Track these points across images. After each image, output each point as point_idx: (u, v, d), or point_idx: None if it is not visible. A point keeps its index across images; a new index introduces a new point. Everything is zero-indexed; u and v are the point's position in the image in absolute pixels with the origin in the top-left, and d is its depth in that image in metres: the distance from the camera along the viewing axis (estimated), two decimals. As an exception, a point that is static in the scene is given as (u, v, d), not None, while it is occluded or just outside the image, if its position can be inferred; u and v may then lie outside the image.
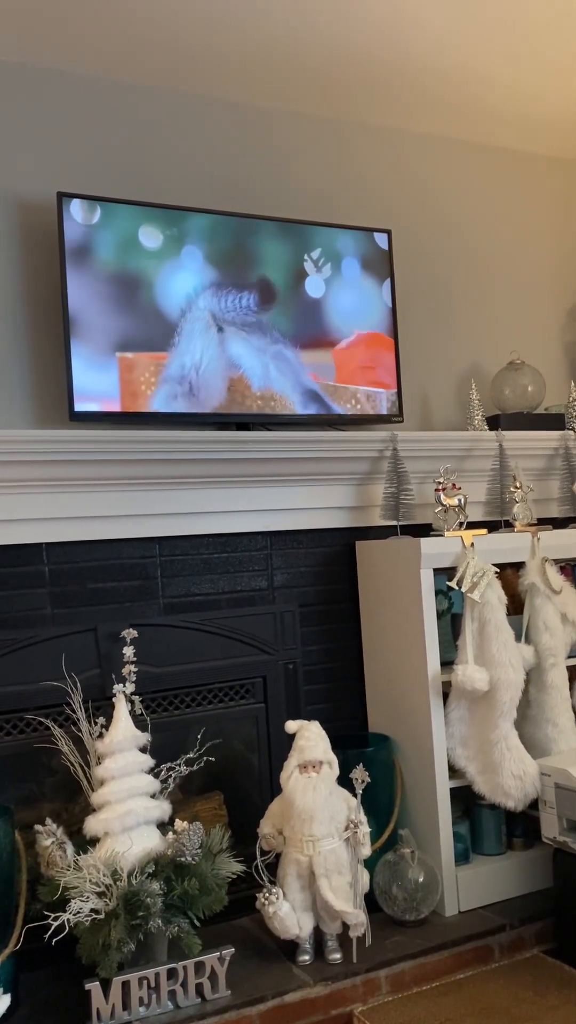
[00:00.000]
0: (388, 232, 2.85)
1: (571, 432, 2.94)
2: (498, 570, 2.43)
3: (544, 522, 2.98)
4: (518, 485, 2.64)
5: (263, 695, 2.57)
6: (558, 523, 2.97)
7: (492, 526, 2.78)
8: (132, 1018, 1.91)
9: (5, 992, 1.98)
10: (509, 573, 2.60)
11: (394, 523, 2.64)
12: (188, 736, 2.44)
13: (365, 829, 2.19)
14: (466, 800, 2.52)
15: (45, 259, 2.49)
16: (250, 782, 2.58)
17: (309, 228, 2.73)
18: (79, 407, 2.38)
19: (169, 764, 2.25)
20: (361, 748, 2.59)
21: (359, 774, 2.19)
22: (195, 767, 2.28)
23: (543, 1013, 2.02)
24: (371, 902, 2.29)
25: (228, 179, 2.77)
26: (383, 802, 2.48)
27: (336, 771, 2.21)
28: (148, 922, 1.91)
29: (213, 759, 2.40)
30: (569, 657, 2.59)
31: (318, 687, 2.68)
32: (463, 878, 2.39)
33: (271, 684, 2.57)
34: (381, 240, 2.84)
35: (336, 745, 2.31)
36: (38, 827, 2.06)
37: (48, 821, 2.08)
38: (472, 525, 2.71)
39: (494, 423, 2.91)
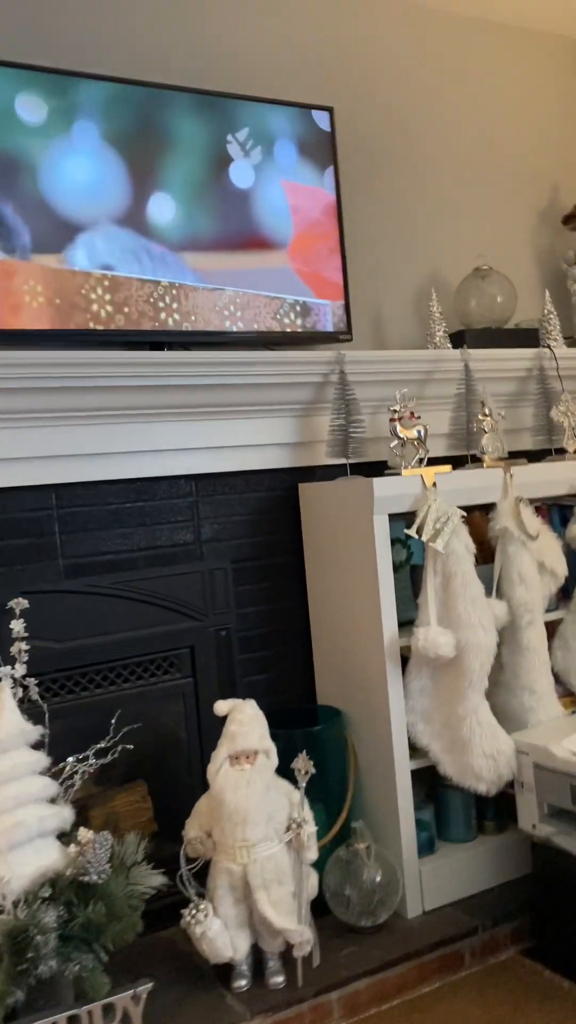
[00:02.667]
0: (330, 110, 2.37)
1: (546, 350, 2.53)
2: (464, 514, 2.04)
3: (516, 455, 2.58)
4: (487, 413, 2.23)
5: (191, 668, 2.18)
6: (532, 456, 2.58)
7: (457, 461, 2.38)
8: None
9: None
10: (477, 516, 2.21)
11: (343, 461, 2.23)
12: (103, 719, 2.04)
13: (310, 829, 1.83)
14: (430, 780, 2.17)
15: None
16: (178, 768, 2.21)
17: (234, 103, 2.24)
18: (-53, 324, 1.91)
19: (76, 756, 1.86)
20: (308, 725, 2.22)
21: (302, 764, 1.82)
22: (108, 758, 1.90)
23: (523, 1038, 1.71)
24: (321, 904, 1.95)
25: (132, 40, 2.26)
26: (334, 787, 2.12)
27: (274, 761, 1.84)
28: (38, 966, 1.54)
29: (131, 747, 2.01)
30: (547, 611, 2.24)
31: (257, 655, 2.29)
32: (428, 872, 2.06)
33: (200, 655, 2.18)
34: (321, 119, 2.37)
35: (279, 723, 1.96)
36: None
37: None
38: (434, 461, 2.30)
39: (458, 340, 2.49)
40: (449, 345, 2.43)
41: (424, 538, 1.99)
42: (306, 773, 1.81)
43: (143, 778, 2.19)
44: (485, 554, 2.19)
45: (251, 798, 1.77)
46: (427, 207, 2.71)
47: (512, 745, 1.99)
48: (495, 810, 2.20)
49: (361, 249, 2.57)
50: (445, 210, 2.75)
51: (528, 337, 2.56)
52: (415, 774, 2.08)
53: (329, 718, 2.20)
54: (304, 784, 1.82)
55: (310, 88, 2.50)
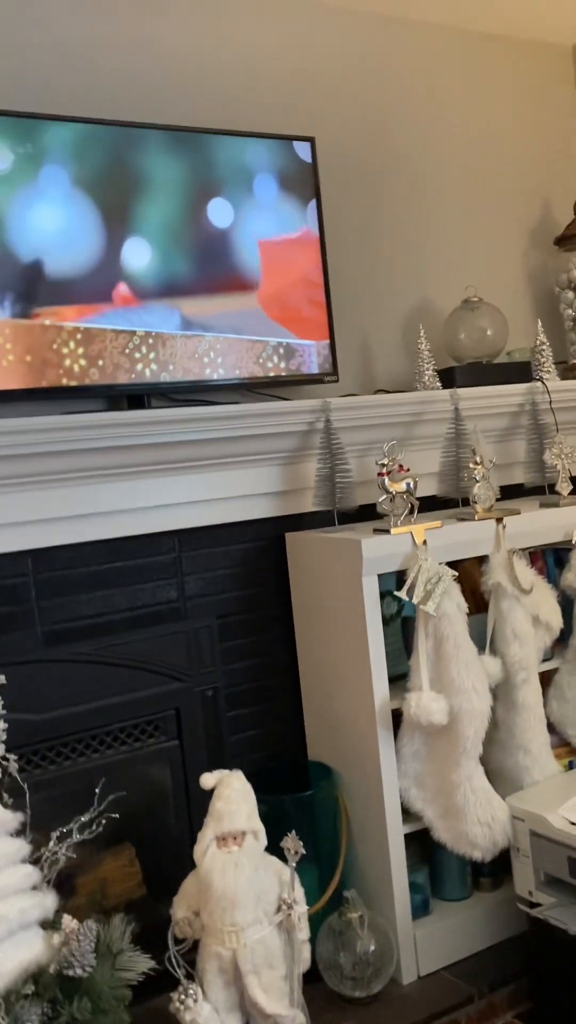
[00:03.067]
0: (311, 140, 2.26)
1: (539, 384, 2.45)
2: (455, 573, 1.97)
3: (509, 490, 2.51)
4: (478, 461, 2.15)
5: (176, 730, 2.12)
6: (524, 492, 2.51)
7: (450, 504, 2.31)
8: None
9: None
10: (470, 564, 2.15)
11: (330, 510, 2.16)
12: (87, 787, 1.98)
13: (301, 909, 1.78)
14: (423, 838, 2.12)
15: None
16: (167, 829, 2.15)
17: (209, 138, 2.14)
18: None
19: (59, 832, 1.80)
20: (299, 781, 2.18)
21: (291, 844, 1.76)
22: (92, 831, 1.83)
23: None
24: (314, 971, 1.90)
25: (99, 78, 2.15)
26: (326, 848, 2.08)
27: (263, 841, 1.78)
28: (21, 1077, 1.49)
29: (116, 815, 1.94)
30: (543, 661, 2.18)
31: (245, 712, 2.23)
32: (422, 936, 2.02)
33: (186, 716, 2.12)
34: (302, 150, 2.26)
35: (269, 782, 1.94)
36: None
37: None
38: (426, 505, 2.24)
39: (448, 377, 2.41)
40: (438, 383, 2.34)
41: (415, 600, 1.93)
42: (296, 853, 1.76)
43: (130, 841, 2.13)
44: (479, 603, 2.13)
45: (239, 882, 1.72)
46: (414, 233, 2.62)
47: (507, 811, 1.94)
48: (491, 866, 2.15)
49: (347, 280, 2.48)
50: (433, 234, 2.65)
51: (520, 371, 2.48)
52: (409, 835, 2.03)
53: (320, 778, 2.14)
54: (294, 864, 1.77)
55: (289, 118, 2.39)
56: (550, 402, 2.44)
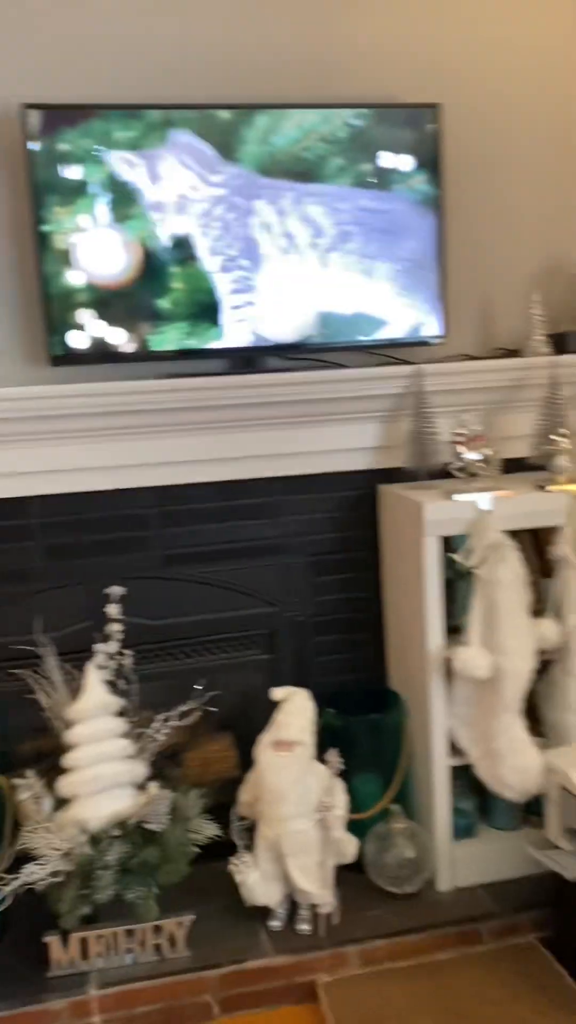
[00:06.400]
0: (434, 107, 2.31)
1: None
2: (517, 544, 2.09)
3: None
4: (564, 432, 2.21)
5: (269, 647, 2.47)
6: None
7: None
8: (90, 968, 2.04)
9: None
10: (544, 532, 2.24)
11: (415, 468, 2.32)
12: (189, 683, 2.40)
13: (338, 812, 2.10)
14: (478, 772, 2.34)
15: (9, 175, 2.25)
16: (259, 726, 2.53)
17: (329, 113, 2.27)
18: (58, 350, 2.23)
19: (163, 716, 2.24)
20: (375, 705, 2.46)
21: (333, 758, 2.08)
22: (189, 719, 2.25)
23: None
24: (360, 867, 2.24)
25: (206, 61, 2.31)
26: (391, 763, 2.36)
27: (311, 751, 2.11)
28: (96, 893, 1.98)
29: (215, 710, 2.35)
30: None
31: (331, 638, 2.53)
32: (464, 854, 2.27)
33: (278, 637, 2.46)
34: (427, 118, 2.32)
35: (345, 703, 2.29)
36: (15, 780, 2.16)
37: (28, 773, 2.16)
38: (516, 467, 2.34)
39: (561, 342, 2.42)
40: (545, 350, 2.37)
41: (471, 564, 2.09)
42: (334, 767, 2.07)
43: (231, 730, 2.55)
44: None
45: (285, 782, 2.07)
46: (543, 182, 2.56)
47: (539, 763, 2.10)
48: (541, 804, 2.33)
49: (466, 235, 2.50)
50: (564, 183, 2.58)
51: None
52: (463, 767, 2.26)
53: (392, 704, 2.41)
54: (335, 773, 2.09)
55: (411, 81, 2.42)
56: None
